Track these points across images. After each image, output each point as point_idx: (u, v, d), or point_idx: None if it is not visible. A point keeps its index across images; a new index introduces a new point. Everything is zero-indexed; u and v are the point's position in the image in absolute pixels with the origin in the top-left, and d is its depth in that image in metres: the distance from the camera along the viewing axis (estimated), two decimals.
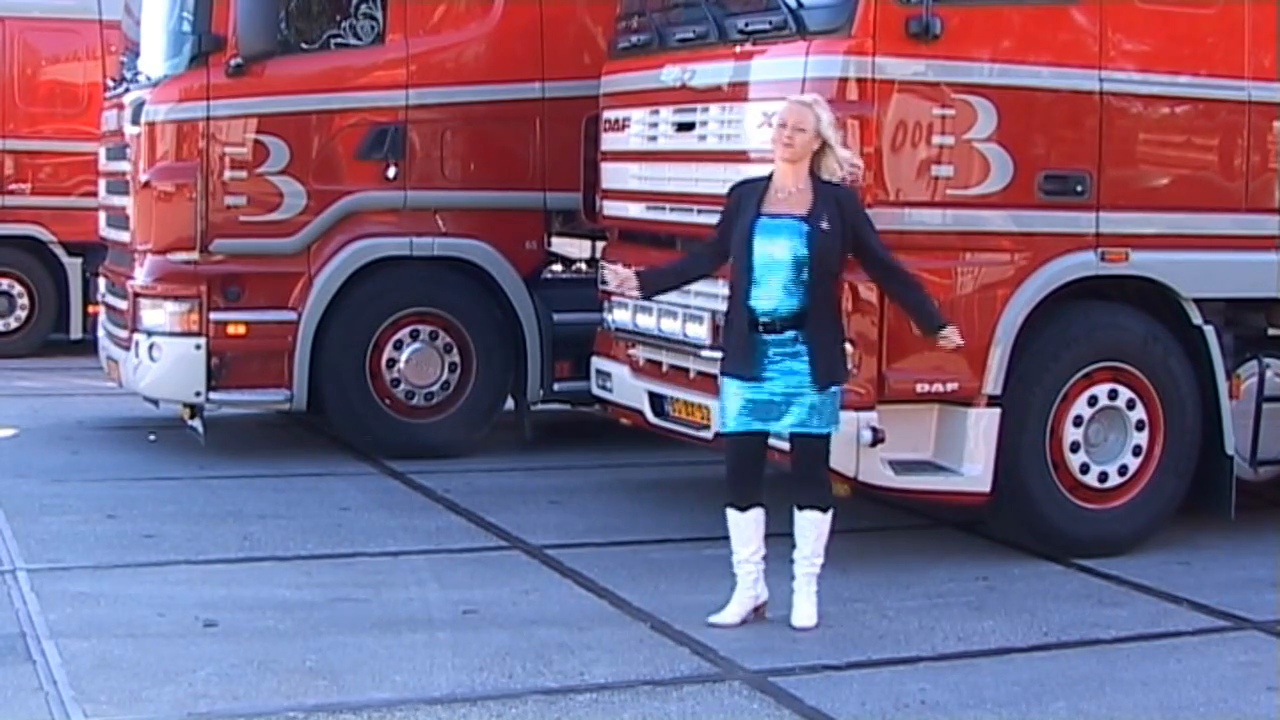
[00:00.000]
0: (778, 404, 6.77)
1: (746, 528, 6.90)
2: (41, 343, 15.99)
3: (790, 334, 6.74)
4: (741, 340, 6.81)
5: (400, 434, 10.65)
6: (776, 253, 6.71)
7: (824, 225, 6.71)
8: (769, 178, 6.88)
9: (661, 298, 8.20)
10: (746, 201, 6.86)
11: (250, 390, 10.43)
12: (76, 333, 15.77)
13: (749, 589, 6.93)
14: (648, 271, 7.48)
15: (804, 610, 6.90)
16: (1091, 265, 7.98)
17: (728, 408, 6.89)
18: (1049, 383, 7.97)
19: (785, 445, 6.96)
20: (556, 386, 10.81)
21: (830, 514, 6.92)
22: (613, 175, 9.46)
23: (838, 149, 6.84)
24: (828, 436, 6.90)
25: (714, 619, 6.87)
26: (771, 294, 6.73)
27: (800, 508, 6.90)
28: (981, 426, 7.77)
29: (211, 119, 10.25)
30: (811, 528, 6.89)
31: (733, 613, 6.91)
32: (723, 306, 7.16)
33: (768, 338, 6.74)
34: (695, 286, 7.81)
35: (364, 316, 10.53)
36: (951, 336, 7.08)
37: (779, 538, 7.00)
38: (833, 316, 6.91)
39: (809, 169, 6.81)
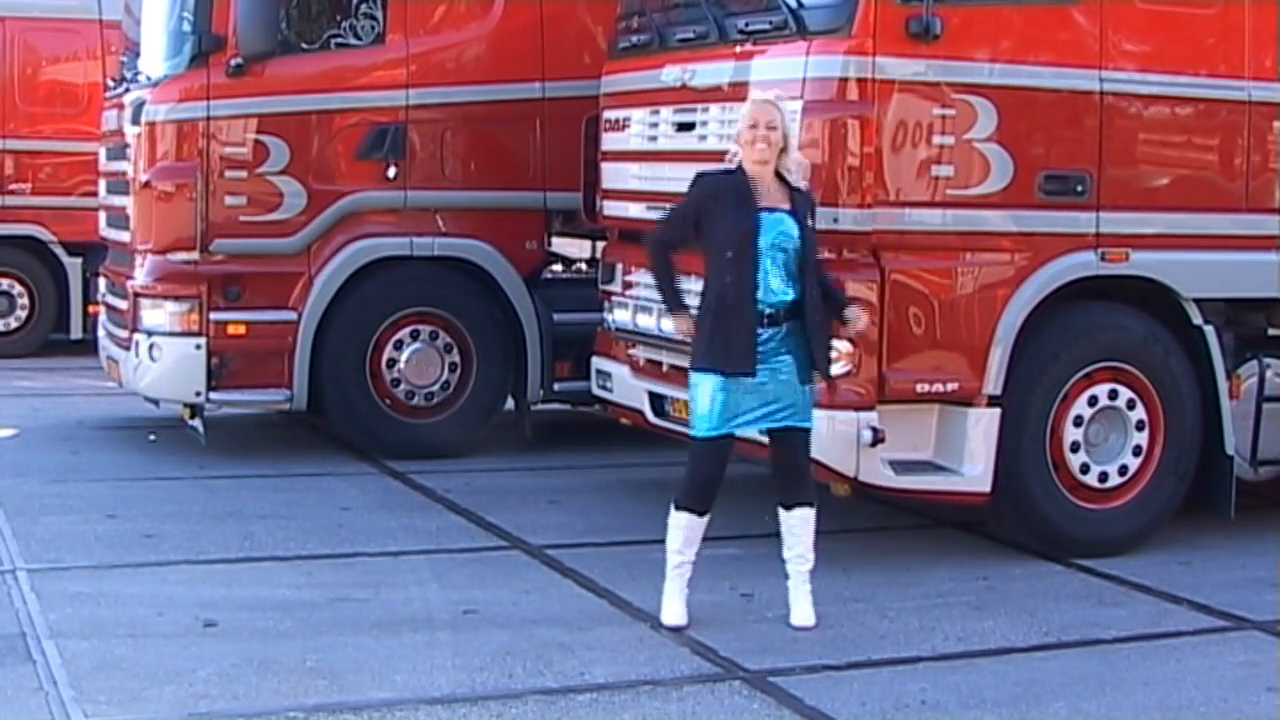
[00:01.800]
0: (764, 400, 6.71)
1: (698, 530, 6.86)
2: (41, 343, 15.99)
3: (785, 326, 6.73)
4: (743, 335, 6.66)
5: (400, 434, 10.65)
6: (779, 246, 6.69)
7: (807, 220, 6.77)
8: (740, 173, 6.79)
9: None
10: (731, 195, 6.74)
11: (250, 390, 10.42)
12: (76, 333, 15.77)
13: (686, 588, 6.89)
14: (675, 297, 7.09)
15: (805, 609, 6.90)
16: (1091, 265, 7.98)
17: (709, 408, 6.73)
18: (1049, 383, 7.97)
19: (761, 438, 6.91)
20: (556, 386, 10.80)
21: (815, 508, 6.91)
22: (613, 175, 9.46)
23: (793, 151, 6.83)
24: (810, 431, 6.88)
25: (668, 621, 6.83)
26: (775, 287, 6.70)
27: (790, 507, 6.88)
28: (981, 426, 7.77)
29: (211, 119, 10.25)
30: (803, 525, 6.88)
31: (682, 612, 6.85)
32: None
33: (767, 332, 6.70)
34: (696, 286, 7.75)
35: (364, 316, 10.53)
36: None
37: (770, 537, 7.02)
38: (821, 309, 6.84)
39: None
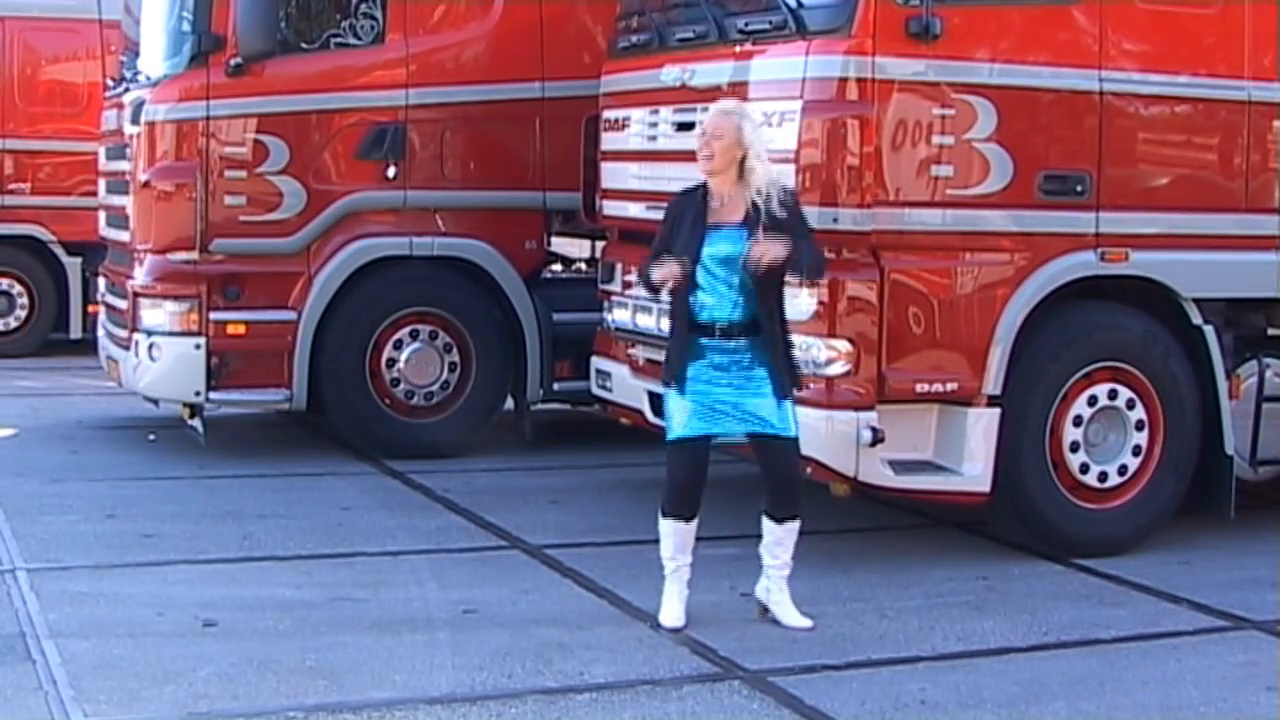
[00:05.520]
0: (728, 412, 6.68)
1: (687, 536, 6.84)
2: (41, 343, 15.99)
3: (742, 342, 6.67)
4: (677, 350, 6.73)
5: (400, 434, 10.65)
6: (719, 263, 6.63)
7: (760, 231, 6.58)
8: (704, 188, 6.77)
9: (660, 298, 8.23)
10: (687, 213, 6.75)
11: (250, 390, 10.43)
12: (76, 333, 15.78)
13: (686, 589, 6.88)
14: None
15: (793, 613, 6.88)
16: (1091, 265, 7.98)
17: (675, 414, 6.75)
18: (1049, 382, 7.98)
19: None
20: (556, 386, 10.81)
21: (800, 519, 6.89)
22: (613, 175, 9.46)
23: (759, 165, 6.63)
24: (796, 440, 6.82)
25: (666, 622, 6.81)
26: (718, 303, 6.67)
27: (779, 519, 6.84)
28: (981, 426, 7.77)
29: (211, 119, 10.25)
30: (790, 537, 6.85)
31: (680, 613, 6.84)
32: None
33: (715, 344, 6.67)
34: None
35: (364, 316, 10.53)
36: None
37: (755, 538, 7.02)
38: (783, 323, 6.77)
39: (739, 176, 6.69)
